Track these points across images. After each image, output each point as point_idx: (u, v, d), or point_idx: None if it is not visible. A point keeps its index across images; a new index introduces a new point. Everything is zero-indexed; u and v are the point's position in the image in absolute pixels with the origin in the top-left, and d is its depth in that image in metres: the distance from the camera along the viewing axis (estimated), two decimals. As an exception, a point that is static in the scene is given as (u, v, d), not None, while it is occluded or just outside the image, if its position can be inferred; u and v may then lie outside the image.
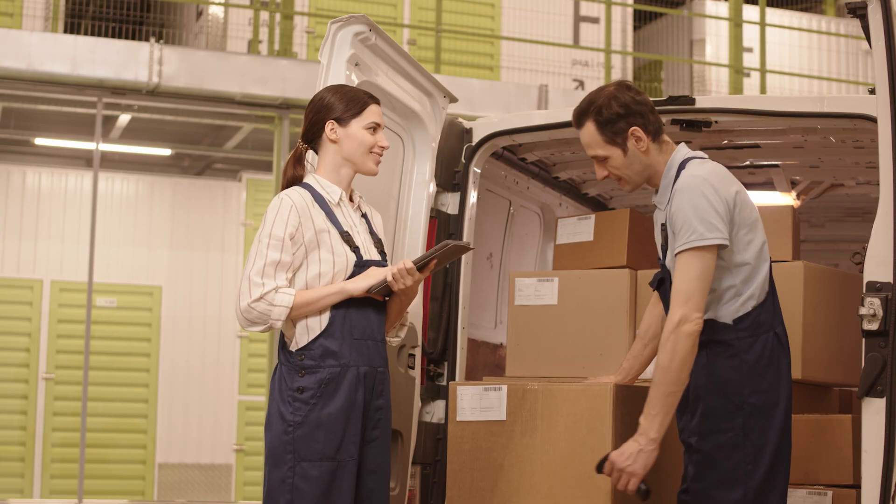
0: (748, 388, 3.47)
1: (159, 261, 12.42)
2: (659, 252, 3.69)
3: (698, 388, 3.53)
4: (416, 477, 4.34)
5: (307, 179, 3.61)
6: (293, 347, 3.49)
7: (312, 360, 3.45)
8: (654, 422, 3.42)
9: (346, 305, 3.49)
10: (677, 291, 3.44)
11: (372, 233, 3.68)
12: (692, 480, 3.52)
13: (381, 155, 3.65)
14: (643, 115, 3.60)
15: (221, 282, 12.55)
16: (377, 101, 3.66)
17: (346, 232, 3.55)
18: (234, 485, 12.30)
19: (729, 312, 3.52)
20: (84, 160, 12.83)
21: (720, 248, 3.46)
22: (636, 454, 3.42)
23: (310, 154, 3.67)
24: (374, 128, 3.61)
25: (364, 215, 3.69)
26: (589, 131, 3.63)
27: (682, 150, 3.65)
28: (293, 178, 3.61)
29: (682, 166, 3.58)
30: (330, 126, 3.58)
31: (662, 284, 3.66)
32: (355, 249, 3.54)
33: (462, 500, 3.93)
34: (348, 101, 3.60)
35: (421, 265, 3.51)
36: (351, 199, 3.66)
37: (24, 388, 11.81)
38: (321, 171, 3.62)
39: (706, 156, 3.65)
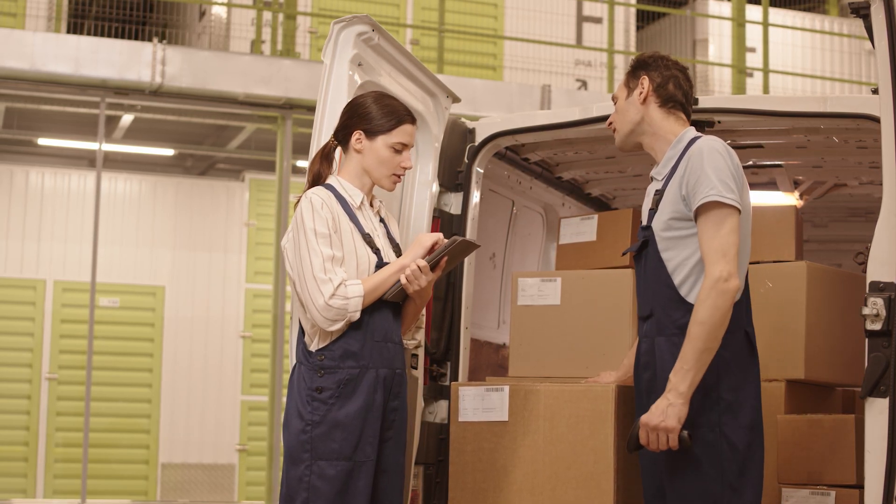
0: (725, 384, 3.37)
1: (162, 261, 12.42)
2: (644, 218, 3.58)
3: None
4: (419, 477, 4.34)
5: (330, 181, 3.62)
6: (313, 347, 3.48)
7: (332, 361, 3.45)
8: (686, 377, 3.27)
9: (368, 307, 3.49)
10: (710, 248, 3.33)
11: (390, 238, 3.69)
12: (667, 475, 3.40)
13: (401, 175, 3.64)
14: (663, 77, 3.60)
15: (224, 282, 12.55)
16: (413, 121, 3.65)
17: (368, 234, 3.56)
18: (238, 485, 12.30)
19: None
20: (87, 160, 12.83)
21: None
22: (666, 409, 3.28)
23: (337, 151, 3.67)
24: (400, 148, 3.60)
25: (382, 220, 3.71)
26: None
27: (693, 131, 3.62)
28: (318, 174, 3.61)
29: (692, 141, 3.54)
30: (357, 136, 3.58)
31: (645, 248, 3.52)
32: (377, 251, 3.56)
33: (464, 500, 3.93)
34: (383, 116, 3.58)
35: (433, 264, 3.52)
36: (371, 204, 3.67)
37: (27, 388, 11.82)
38: (344, 173, 3.63)
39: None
